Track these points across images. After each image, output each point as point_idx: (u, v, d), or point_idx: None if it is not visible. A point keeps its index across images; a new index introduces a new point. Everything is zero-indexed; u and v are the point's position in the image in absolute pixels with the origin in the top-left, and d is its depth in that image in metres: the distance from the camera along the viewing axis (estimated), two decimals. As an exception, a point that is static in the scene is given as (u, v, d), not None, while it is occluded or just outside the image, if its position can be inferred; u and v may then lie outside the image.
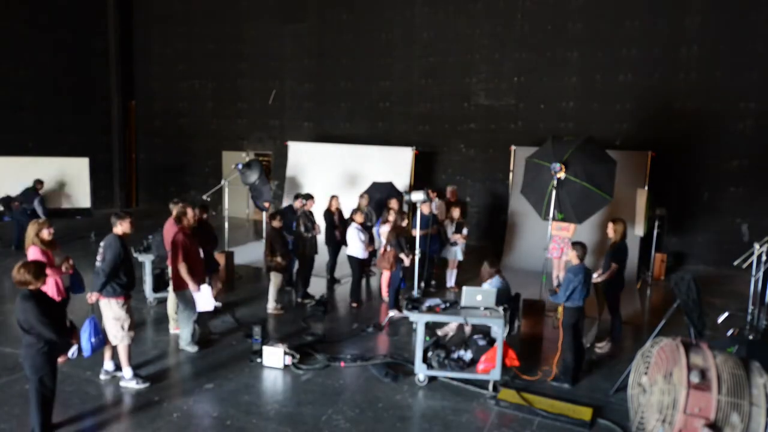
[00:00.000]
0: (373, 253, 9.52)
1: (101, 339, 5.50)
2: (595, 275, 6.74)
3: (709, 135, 10.91)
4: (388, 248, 7.92)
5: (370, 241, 9.08)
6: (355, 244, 8.34)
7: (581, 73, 11.82)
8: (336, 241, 9.20)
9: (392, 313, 7.68)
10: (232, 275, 9.36)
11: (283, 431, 4.86)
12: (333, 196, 9.34)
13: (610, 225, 7.08)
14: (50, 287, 5.64)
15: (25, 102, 14.85)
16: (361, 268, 8.59)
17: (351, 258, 8.41)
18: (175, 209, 6.72)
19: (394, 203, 9.09)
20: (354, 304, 8.29)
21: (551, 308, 7.78)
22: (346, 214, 9.16)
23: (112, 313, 5.50)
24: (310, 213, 8.83)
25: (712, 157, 10.93)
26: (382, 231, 8.75)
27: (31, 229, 5.84)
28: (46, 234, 5.85)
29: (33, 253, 5.73)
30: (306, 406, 5.26)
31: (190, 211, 6.65)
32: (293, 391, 5.60)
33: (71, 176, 14.52)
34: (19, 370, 5.79)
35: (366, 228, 9.48)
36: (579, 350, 5.99)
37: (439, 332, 6.65)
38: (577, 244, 6.09)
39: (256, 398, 5.43)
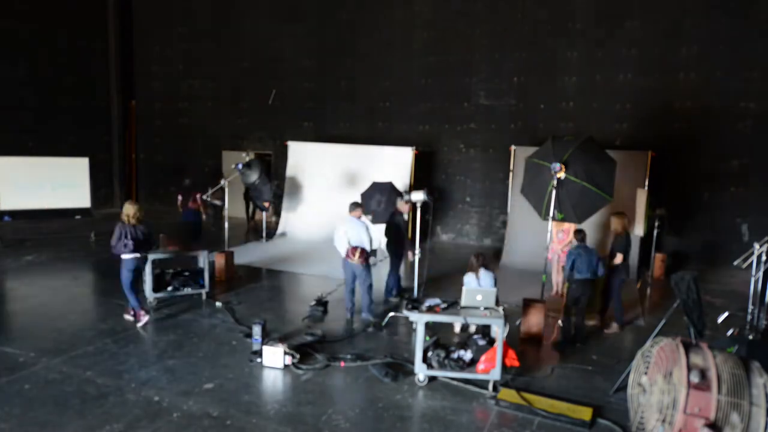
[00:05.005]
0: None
1: None
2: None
3: (709, 135, 10.91)
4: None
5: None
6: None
7: (581, 73, 11.82)
8: None
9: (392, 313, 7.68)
10: (233, 275, 9.39)
11: (283, 431, 4.86)
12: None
13: (612, 218, 7.73)
14: None
15: (25, 102, 14.85)
16: None
17: None
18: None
19: None
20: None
21: (551, 308, 7.79)
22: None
23: None
24: None
25: (712, 157, 10.93)
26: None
27: None
28: None
29: None
30: (306, 406, 5.26)
31: None
32: (293, 391, 5.60)
33: (71, 176, 14.55)
34: (19, 369, 5.81)
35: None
36: (577, 322, 6.89)
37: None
38: (577, 231, 7.07)
39: (256, 398, 5.43)
